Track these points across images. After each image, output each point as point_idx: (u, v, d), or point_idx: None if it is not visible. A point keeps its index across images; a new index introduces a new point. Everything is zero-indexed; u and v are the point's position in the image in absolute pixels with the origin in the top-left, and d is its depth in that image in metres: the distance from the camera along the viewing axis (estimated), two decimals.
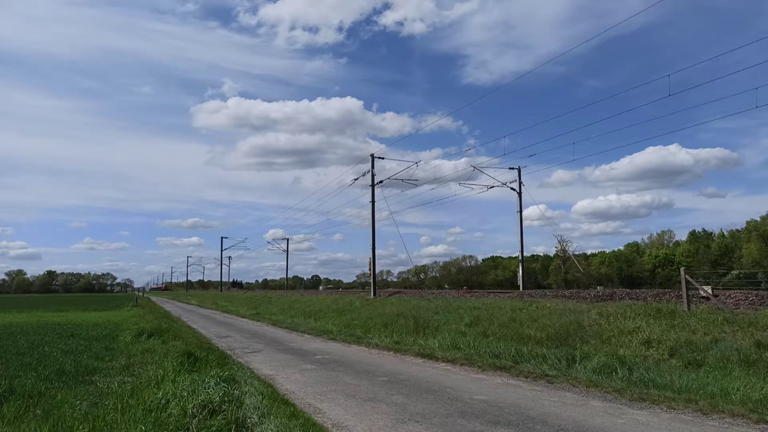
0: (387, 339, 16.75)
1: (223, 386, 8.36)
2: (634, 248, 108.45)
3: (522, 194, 36.15)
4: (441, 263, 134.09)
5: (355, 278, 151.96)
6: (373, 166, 34.45)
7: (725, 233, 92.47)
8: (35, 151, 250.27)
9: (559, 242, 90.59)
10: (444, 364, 12.44)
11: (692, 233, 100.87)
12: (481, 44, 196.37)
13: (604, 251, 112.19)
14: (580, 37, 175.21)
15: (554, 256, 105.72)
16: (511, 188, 36.50)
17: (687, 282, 13.85)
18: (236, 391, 8.23)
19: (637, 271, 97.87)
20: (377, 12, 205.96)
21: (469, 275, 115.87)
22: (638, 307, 14.03)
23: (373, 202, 34.34)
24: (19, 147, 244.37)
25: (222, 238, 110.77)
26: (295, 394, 9.07)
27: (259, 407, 7.35)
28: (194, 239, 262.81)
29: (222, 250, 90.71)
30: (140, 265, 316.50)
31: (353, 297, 32.83)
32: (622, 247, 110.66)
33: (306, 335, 20.22)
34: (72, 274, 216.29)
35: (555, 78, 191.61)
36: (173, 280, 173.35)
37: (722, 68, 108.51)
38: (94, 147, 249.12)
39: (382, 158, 35.49)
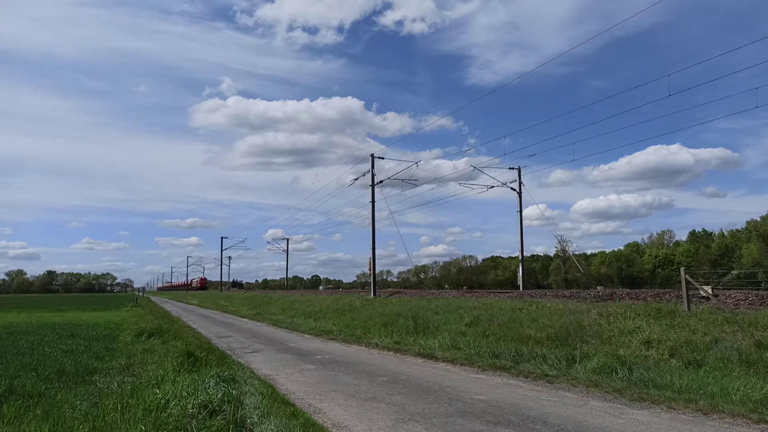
0: (387, 339, 16.74)
1: (223, 386, 8.35)
2: (634, 248, 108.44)
3: (522, 194, 36.16)
4: (441, 263, 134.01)
5: (355, 278, 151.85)
6: (373, 166, 34.45)
7: (725, 233, 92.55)
8: (38, 151, 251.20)
9: (559, 242, 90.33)
10: (444, 364, 12.43)
11: (692, 233, 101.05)
12: (485, 45, 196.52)
13: (604, 251, 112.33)
14: (586, 38, 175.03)
15: (554, 256, 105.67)
16: (511, 188, 36.49)
17: (687, 282, 13.84)
18: (236, 391, 8.22)
19: (637, 271, 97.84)
20: (377, 12, 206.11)
21: (469, 275, 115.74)
22: (638, 307, 14.02)
23: (373, 202, 34.35)
24: (22, 147, 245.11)
25: (222, 238, 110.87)
26: (295, 394, 9.07)
27: (259, 407, 7.36)
28: (194, 239, 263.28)
29: (222, 250, 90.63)
30: (140, 265, 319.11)
31: (353, 297, 32.81)
32: (622, 247, 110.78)
33: (306, 335, 20.21)
34: (72, 274, 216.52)
35: (560, 78, 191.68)
36: (173, 281, 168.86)
37: (726, 68, 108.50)
38: (97, 147, 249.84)
39: (382, 158, 35.52)
